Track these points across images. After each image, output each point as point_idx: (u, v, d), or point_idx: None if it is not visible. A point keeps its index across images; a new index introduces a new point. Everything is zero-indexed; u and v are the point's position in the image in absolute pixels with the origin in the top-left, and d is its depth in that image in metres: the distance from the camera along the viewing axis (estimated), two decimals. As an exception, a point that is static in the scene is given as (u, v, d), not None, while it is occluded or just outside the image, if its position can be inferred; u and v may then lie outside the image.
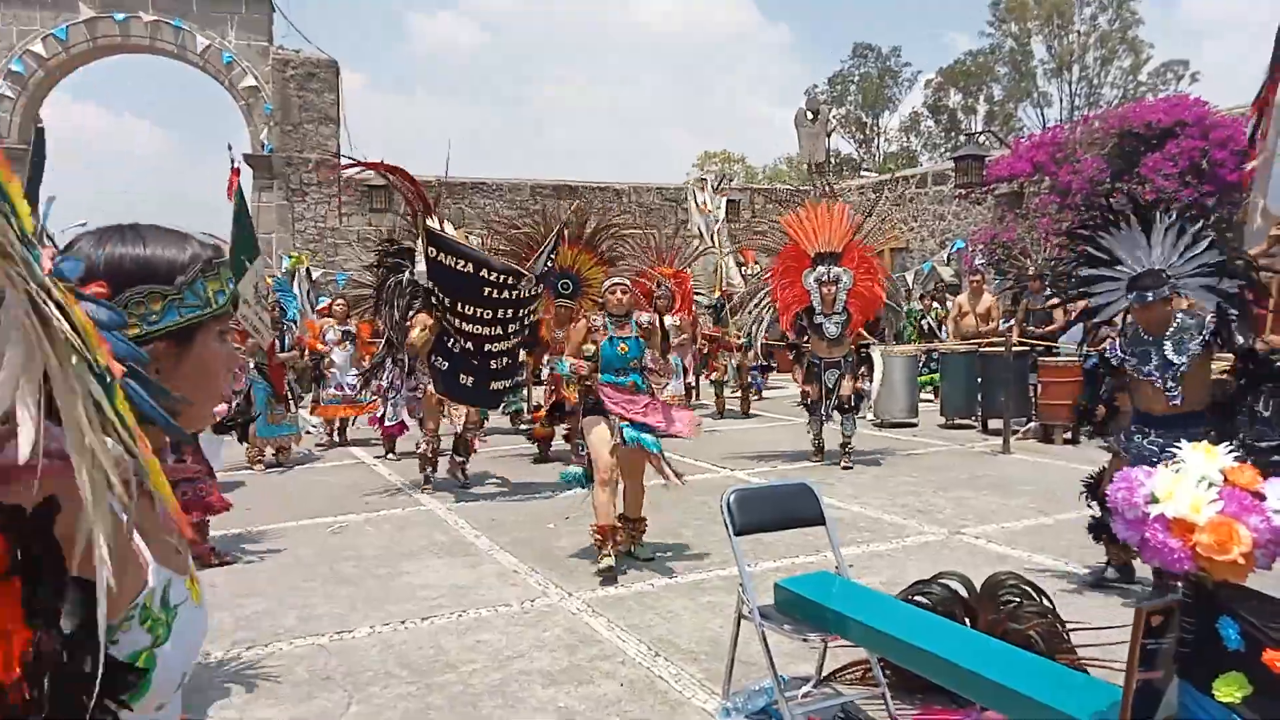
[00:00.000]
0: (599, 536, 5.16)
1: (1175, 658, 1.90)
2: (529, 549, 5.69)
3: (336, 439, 10.20)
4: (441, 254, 6.68)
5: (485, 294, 6.71)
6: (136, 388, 0.76)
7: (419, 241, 6.91)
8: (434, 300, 6.84)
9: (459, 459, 7.72)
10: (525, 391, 9.85)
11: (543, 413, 8.41)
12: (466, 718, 3.42)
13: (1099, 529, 4.86)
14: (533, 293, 6.95)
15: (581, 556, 5.48)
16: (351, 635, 4.27)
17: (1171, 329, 4.36)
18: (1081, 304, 4.82)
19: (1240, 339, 4.24)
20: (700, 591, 4.83)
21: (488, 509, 6.88)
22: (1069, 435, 9.16)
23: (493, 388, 7.01)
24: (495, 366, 6.87)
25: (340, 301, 10.64)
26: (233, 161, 6.79)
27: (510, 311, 6.82)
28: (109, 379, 0.70)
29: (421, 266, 6.93)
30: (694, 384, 12.49)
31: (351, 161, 7.57)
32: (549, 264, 7.13)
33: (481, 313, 6.74)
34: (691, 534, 5.92)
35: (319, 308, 12.40)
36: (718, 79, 64.17)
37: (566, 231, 7.52)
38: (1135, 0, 33.59)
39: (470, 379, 6.87)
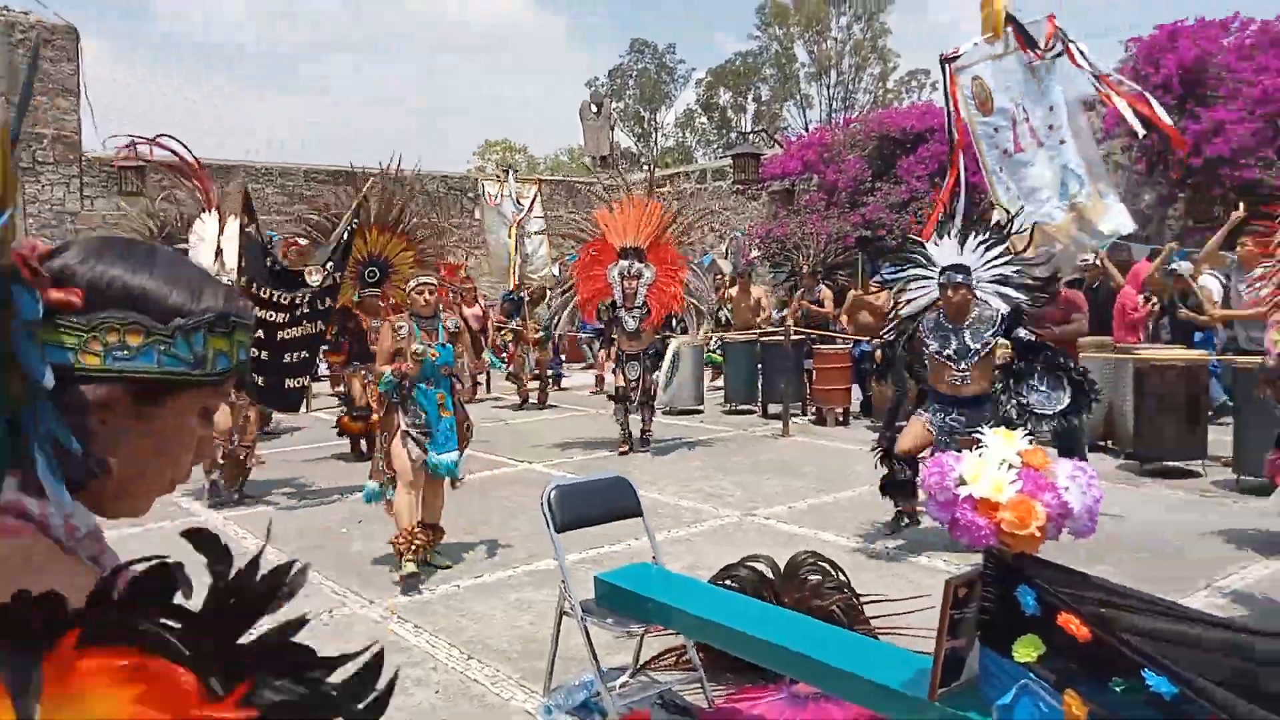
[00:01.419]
0: (401, 541, 4.96)
1: (978, 625, 2.08)
2: (321, 557, 5.39)
3: None
4: (253, 226, 6.26)
5: (282, 281, 6.34)
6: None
7: (200, 225, 6.44)
8: (240, 283, 6.32)
9: (225, 473, 6.93)
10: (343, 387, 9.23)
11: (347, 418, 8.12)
12: (269, 743, 3.19)
13: (892, 486, 5.45)
14: (329, 281, 6.55)
15: (380, 562, 5.26)
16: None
17: (970, 319, 5.08)
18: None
19: (1022, 333, 5.07)
20: (508, 589, 4.77)
21: (274, 517, 6.46)
22: (841, 418, 9.84)
23: (289, 386, 6.54)
24: (290, 360, 6.40)
25: None
26: None
27: (303, 297, 6.41)
28: None
29: (200, 258, 6.41)
30: (485, 379, 12.34)
31: (146, 140, 6.85)
32: (342, 241, 6.71)
33: (278, 297, 6.31)
34: (492, 530, 5.83)
35: None
36: (496, 68, 63.44)
37: (364, 211, 7.05)
38: (884, 12, 36.46)
39: (263, 378, 6.39)
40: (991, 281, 5.16)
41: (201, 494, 6.85)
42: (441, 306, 5.35)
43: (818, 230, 13.19)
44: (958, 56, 6.78)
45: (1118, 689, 1.72)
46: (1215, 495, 6.43)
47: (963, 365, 5.03)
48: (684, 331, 9.15)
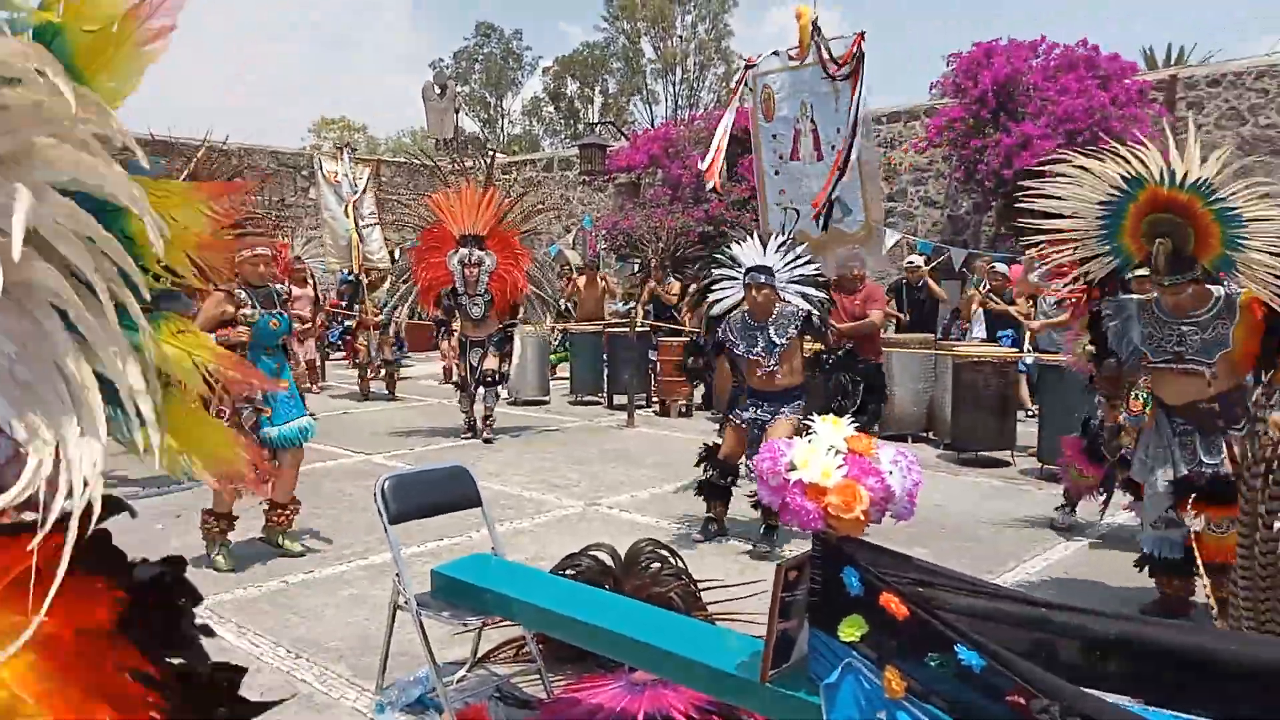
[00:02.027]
0: (214, 524, 4.83)
1: (807, 607, 2.15)
2: (133, 554, 5.01)
3: None
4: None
5: None
6: None
7: None
8: None
9: None
10: None
11: None
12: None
13: (710, 490, 5.54)
14: None
15: (201, 557, 4.95)
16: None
17: (774, 316, 5.28)
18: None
19: (822, 329, 5.45)
20: (341, 584, 4.59)
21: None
22: (684, 409, 10.03)
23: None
24: None
25: None
26: None
27: None
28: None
29: None
30: (318, 362, 11.81)
31: None
32: None
33: None
34: (326, 523, 5.61)
35: None
36: (336, 43, 60.88)
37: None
38: (728, 14, 37.34)
39: None
40: (793, 282, 5.43)
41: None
42: (275, 277, 5.18)
43: (663, 224, 13.38)
44: (756, 64, 7.28)
45: (933, 664, 1.82)
46: (1022, 483, 6.94)
47: (771, 361, 5.21)
48: (525, 319, 9.07)
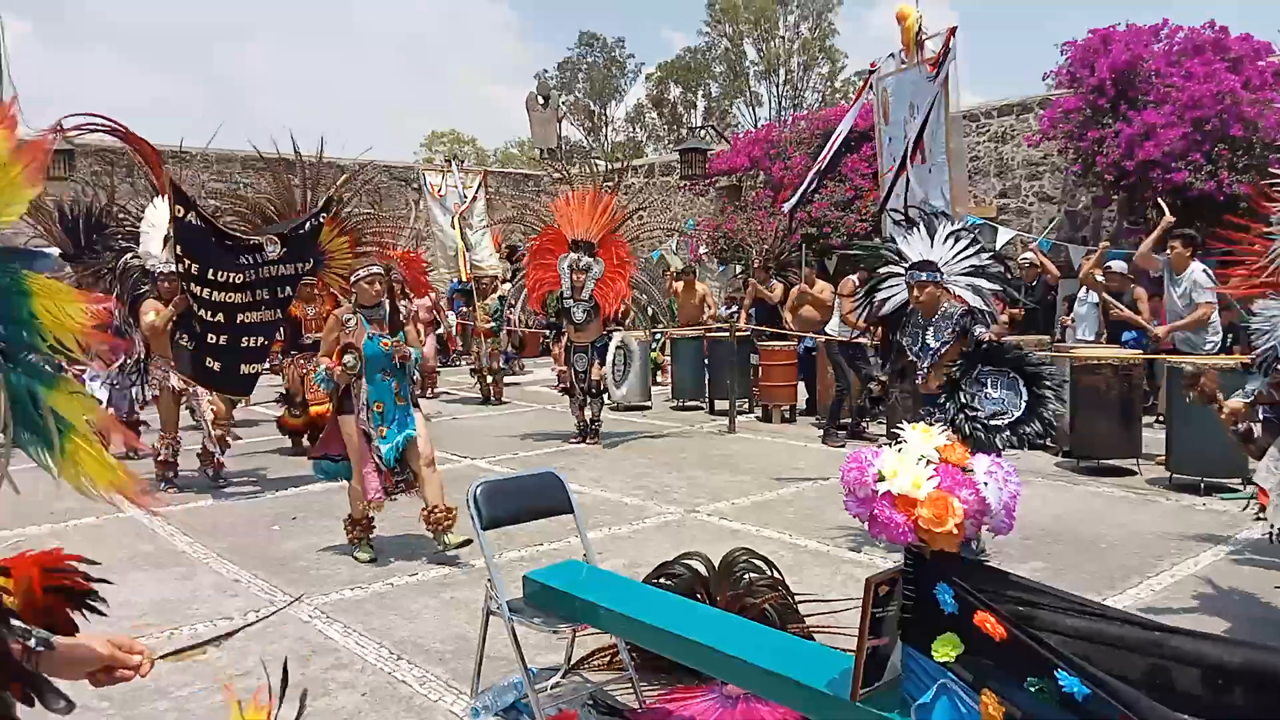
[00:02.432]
0: (353, 530, 5.17)
1: (899, 624, 2.06)
2: (251, 555, 5.26)
3: None
4: (191, 214, 6.05)
5: (238, 259, 6.16)
6: None
7: (153, 211, 6.25)
8: (180, 270, 6.16)
9: (209, 457, 7.01)
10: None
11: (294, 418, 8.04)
12: (184, 750, 3.09)
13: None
14: (292, 269, 6.37)
15: (313, 559, 5.14)
16: (36, 670, 3.72)
17: (937, 315, 4.99)
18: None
19: (979, 329, 4.89)
20: (444, 588, 4.68)
21: (203, 513, 6.28)
22: (787, 414, 9.88)
23: (243, 371, 6.34)
24: (247, 344, 6.21)
25: None
26: None
27: (265, 278, 6.24)
28: None
29: (151, 247, 6.24)
30: (435, 369, 12.20)
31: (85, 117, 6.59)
32: (306, 229, 6.51)
33: (233, 277, 6.14)
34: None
35: None
36: (444, 57, 62.70)
37: (333, 204, 6.73)
38: (832, 12, 36.78)
39: (218, 363, 6.23)
40: (964, 274, 5.03)
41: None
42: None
43: (765, 227, 13.23)
44: (877, 69, 7.13)
45: (1032, 689, 1.71)
46: (1149, 493, 6.55)
47: (924, 364, 4.97)
48: (630, 327, 9.12)
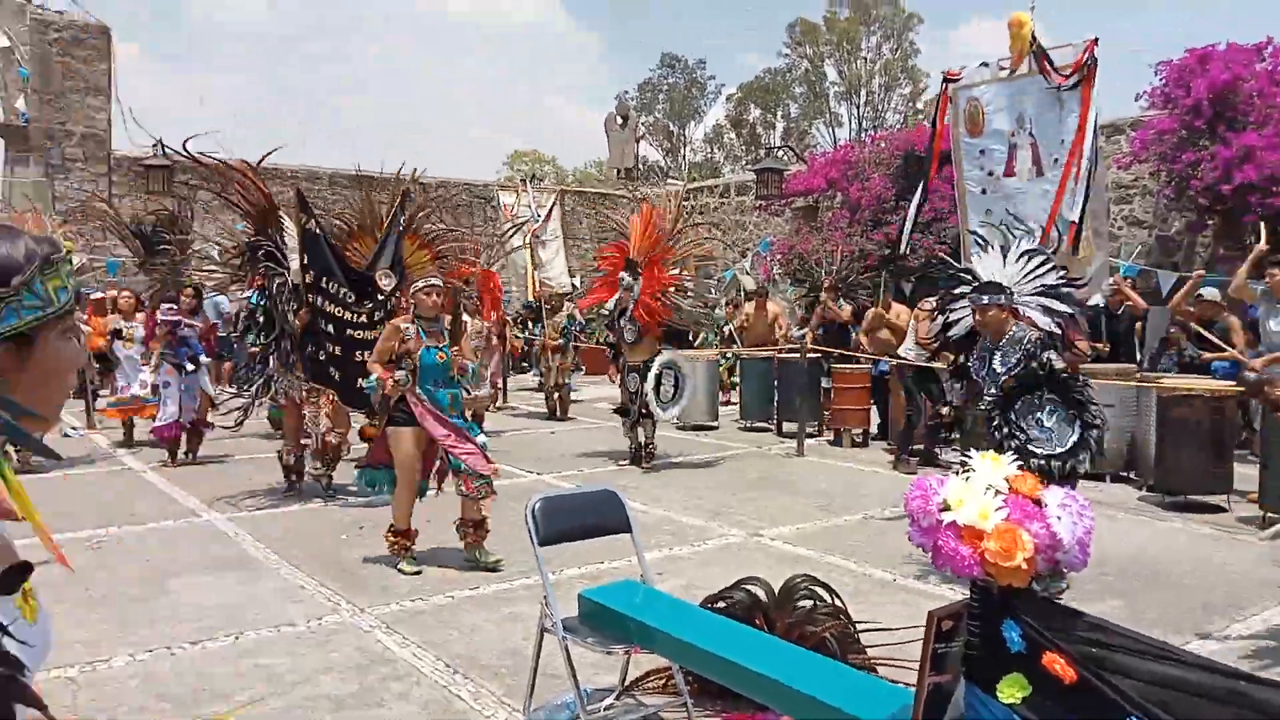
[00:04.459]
0: (396, 541, 5.17)
1: (962, 660, 1.96)
2: (317, 562, 5.34)
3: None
4: (311, 221, 6.34)
5: (351, 276, 6.42)
6: None
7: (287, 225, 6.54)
8: (305, 281, 6.43)
9: (320, 466, 7.17)
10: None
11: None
12: (240, 753, 3.13)
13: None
14: (394, 282, 6.54)
15: (376, 568, 5.20)
16: (106, 665, 3.82)
17: (1005, 339, 4.83)
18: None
19: (1048, 355, 4.73)
20: (503, 603, 4.67)
21: (274, 519, 6.42)
22: (859, 438, 9.68)
23: (361, 385, 6.41)
24: (360, 358, 6.23)
25: (126, 294, 9.70)
26: None
27: (379, 302, 6.43)
28: None
29: (298, 267, 6.48)
30: (501, 387, 12.31)
31: (210, 161, 6.99)
32: (392, 244, 6.67)
33: (344, 293, 6.36)
34: (495, 541, 5.72)
35: (93, 297, 11.41)
36: (526, 78, 63.75)
37: (404, 217, 6.89)
38: (913, 32, 36.31)
39: (339, 372, 6.44)
40: (1034, 294, 4.90)
41: (223, 500, 6.84)
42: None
43: (840, 248, 13.05)
44: (959, 77, 6.82)
45: (1103, 737, 1.60)
46: (1239, 531, 6.21)
47: (991, 390, 4.81)
48: (680, 346, 9.02)
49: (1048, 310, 4.86)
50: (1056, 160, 6.30)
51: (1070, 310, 4.94)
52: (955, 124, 6.97)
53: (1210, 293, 8.15)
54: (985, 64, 6.72)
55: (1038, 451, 4.49)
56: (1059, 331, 4.86)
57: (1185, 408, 6.86)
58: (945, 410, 5.45)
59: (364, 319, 6.45)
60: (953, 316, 5.27)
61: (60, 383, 1.09)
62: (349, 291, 6.41)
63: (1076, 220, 6.00)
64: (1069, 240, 6.02)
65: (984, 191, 6.79)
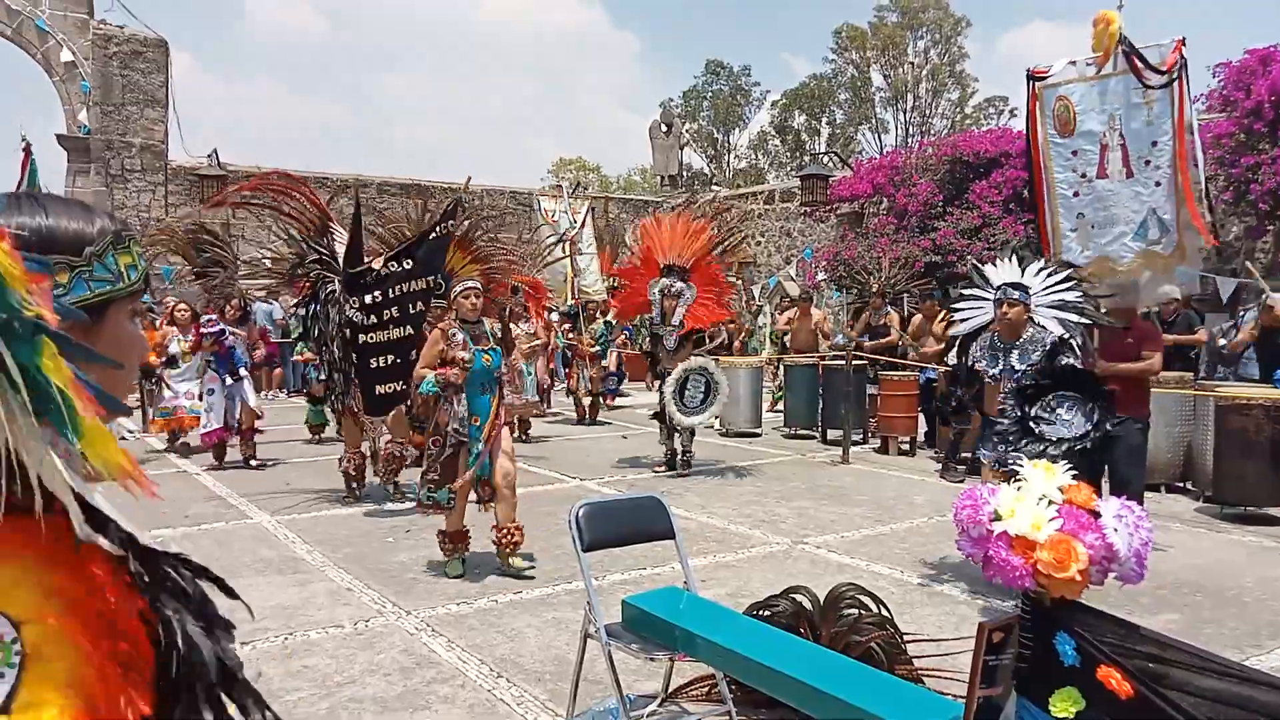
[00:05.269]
0: (448, 543, 5.22)
1: (1014, 673, 1.92)
2: (364, 565, 5.40)
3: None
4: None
5: (360, 280, 6.27)
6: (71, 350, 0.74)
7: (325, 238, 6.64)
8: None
9: (386, 472, 7.28)
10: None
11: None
12: (289, 752, 3.17)
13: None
14: (423, 284, 6.47)
15: (422, 572, 5.25)
16: (161, 664, 3.90)
17: (1022, 339, 5.05)
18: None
19: (1066, 359, 4.90)
20: (547, 608, 4.69)
21: (323, 522, 6.51)
22: (905, 446, 9.56)
23: (379, 392, 6.30)
24: (376, 365, 6.22)
25: (183, 307, 9.77)
26: (24, 140, 6.20)
27: (393, 298, 6.24)
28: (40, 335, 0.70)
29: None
30: (547, 392, 12.38)
31: (251, 183, 7.14)
32: (436, 248, 6.64)
33: (353, 302, 6.25)
34: (539, 547, 5.76)
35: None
36: (570, 84, 64.13)
37: (455, 218, 6.91)
38: (962, 37, 35.87)
39: (357, 383, 6.41)
40: (1050, 306, 5.12)
41: (267, 500, 6.96)
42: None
43: (886, 254, 12.91)
44: (1046, 75, 6.58)
45: (1161, 755, 1.56)
46: (1301, 544, 6.03)
47: (1007, 385, 4.95)
48: (711, 351, 8.96)
49: (1062, 323, 5.06)
50: (1147, 162, 6.13)
51: (1083, 322, 5.14)
52: (1044, 124, 6.71)
53: (1277, 298, 7.96)
54: (1073, 62, 6.52)
55: (1051, 438, 4.58)
56: (1075, 338, 5.07)
57: (1243, 417, 6.68)
58: (951, 403, 5.57)
59: (379, 319, 6.20)
60: (963, 314, 5.47)
61: (129, 364, 1.07)
62: (356, 298, 6.20)
63: (1208, 217, 5.99)
64: (1206, 237, 6.12)
65: (1076, 194, 6.55)
